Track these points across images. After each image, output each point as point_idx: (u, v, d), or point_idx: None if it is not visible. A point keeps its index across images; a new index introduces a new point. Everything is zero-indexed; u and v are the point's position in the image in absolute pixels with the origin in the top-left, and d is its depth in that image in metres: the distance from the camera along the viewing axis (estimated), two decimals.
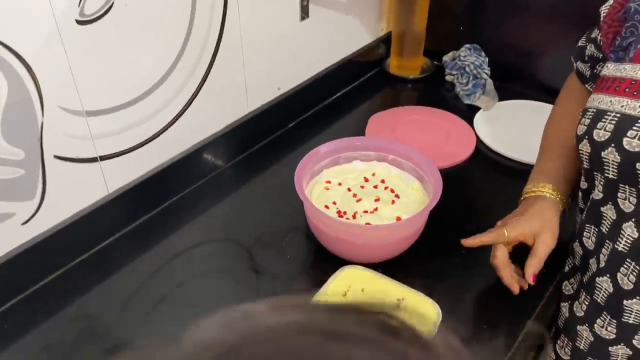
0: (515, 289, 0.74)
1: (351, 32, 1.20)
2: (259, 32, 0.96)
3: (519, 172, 0.93)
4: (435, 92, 1.24)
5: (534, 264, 0.72)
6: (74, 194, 0.80)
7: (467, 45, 1.23)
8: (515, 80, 1.22)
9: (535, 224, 0.72)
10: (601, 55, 0.75)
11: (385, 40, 1.28)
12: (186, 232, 0.89)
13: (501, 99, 1.17)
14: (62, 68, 0.71)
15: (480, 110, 1.14)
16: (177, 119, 0.89)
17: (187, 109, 0.90)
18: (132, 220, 0.89)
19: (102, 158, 0.81)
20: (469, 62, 1.20)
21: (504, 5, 1.18)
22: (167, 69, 0.84)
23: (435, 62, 1.30)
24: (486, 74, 1.19)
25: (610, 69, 0.67)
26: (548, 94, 1.12)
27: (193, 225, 0.90)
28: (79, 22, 0.70)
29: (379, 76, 1.28)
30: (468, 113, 1.14)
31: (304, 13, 1.02)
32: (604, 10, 0.75)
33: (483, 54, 1.22)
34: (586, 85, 0.79)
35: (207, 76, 0.91)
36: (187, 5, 0.82)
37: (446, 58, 1.26)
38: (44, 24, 0.67)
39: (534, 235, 0.72)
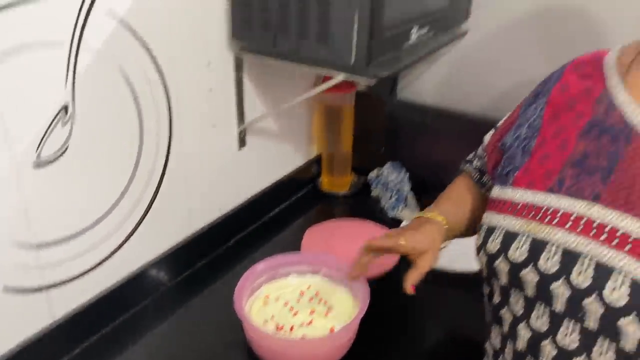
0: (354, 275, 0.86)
1: (285, 156, 1.33)
2: (201, 161, 1.06)
3: (440, 278, 1.04)
4: (363, 206, 1.36)
5: (415, 277, 0.80)
6: (21, 322, 0.83)
7: (389, 163, 1.38)
8: (433, 192, 1.35)
9: (425, 243, 0.82)
10: (486, 171, 0.90)
11: (317, 161, 1.42)
12: (129, 353, 0.92)
13: (421, 210, 1.31)
14: (17, 207, 0.77)
15: (404, 222, 1.27)
16: (124, 244, 0.95)
17: (133, 234, 0.97)
18: (77, 345, 0.91)
19: (50, 286, 0.85)
20: (391, 178, 1.35)
21: (419, 128, 1.36)
22: (116, 199, 0.92)
23: (362, 178, 1.44)
24: (407, 188, 1.34)
25: (496, 192, 0.80)
26: None
27: (137, 346, 0.93)
28: (35, 165, 0.78)
29: (312, 193, 1.41)
30: (393, 224, 1.26)
31: (242, 143, 1.14)
32: (487, 138, 0.92)
33: (403, 170, 1.37)
34: (483, 179, 0.93)
35: (152, 202, 0.99)
36: (135, 140, 0.92)
37: (371, 175, 1.40)
38: (3, 168, 0.74)
39: (420, 253, 0.82)
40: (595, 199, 0.68)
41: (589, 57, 0.83)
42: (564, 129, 0.76)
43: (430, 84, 1.35)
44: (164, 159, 0.98)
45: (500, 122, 0.91)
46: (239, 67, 1.06)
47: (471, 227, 0.91)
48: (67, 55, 0.78)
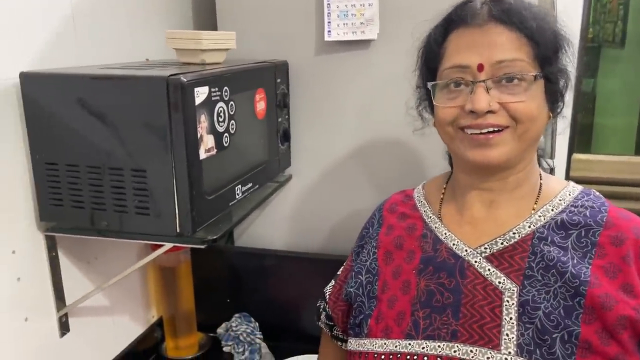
0: None
1: (121, 328, 1.20)
2: (10, 356, 0.90)
3: None
4: None
5: None
6: None
7: (237, 315, 1.32)
8: (286, 338, 1.32)
9: None
10: (333, 323, 0.90)
11: (159, 324, 1.31)
12: None
13: (277, 359, 1.25)
14: None
15: None
16: None
17: None
18: None
19: None
20: (241, 331, 1.28)
21: (261, 274, 1.33)
22: None
23: (211, 335, 1.35)
24: (259, 338, 1.28)
25: (353, 345, 0.78)
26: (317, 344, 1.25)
27: None
28: None
29: None
30: None
31: (64, 329, 1.00)
32: (328, 290, 0.92)
33: (252, 319, 1.32)
34: (334, 332, 0.92)
35: None
36: None
37: (220, 330, 1.32)
38: None
39: None
40: (454, 337, 0.70)
41: (399, 198, 0.90)
42: (402, 269, 0.78)
43: (265, 228, 1.35)
44: None
45: (339, 272, 0.92)
46: (51, 248, 0.96)
47: None
48: None
